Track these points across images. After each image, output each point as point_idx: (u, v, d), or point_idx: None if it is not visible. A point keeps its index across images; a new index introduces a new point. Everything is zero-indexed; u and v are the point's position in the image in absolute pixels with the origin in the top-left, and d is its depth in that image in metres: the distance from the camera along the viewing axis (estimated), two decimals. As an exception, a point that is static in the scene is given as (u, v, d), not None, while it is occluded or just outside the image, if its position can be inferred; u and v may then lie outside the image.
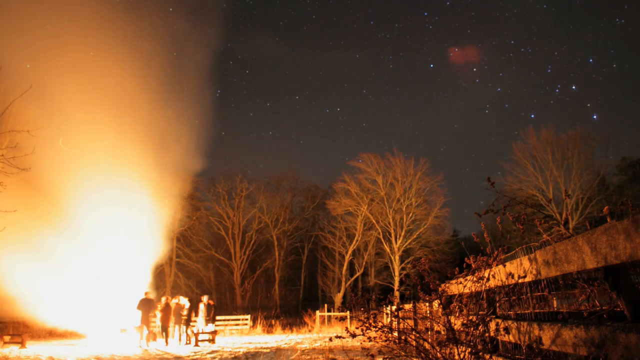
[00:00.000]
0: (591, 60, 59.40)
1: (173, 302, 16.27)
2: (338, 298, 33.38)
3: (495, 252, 3.50)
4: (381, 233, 32.93)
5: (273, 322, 24.47)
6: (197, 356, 11.19)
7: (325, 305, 29.54)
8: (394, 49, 74.09)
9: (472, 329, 3.50)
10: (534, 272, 2.64)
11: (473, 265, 3.67)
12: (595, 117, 54.16)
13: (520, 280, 2.91)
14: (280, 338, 18.65)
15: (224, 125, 72.89)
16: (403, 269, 32.21)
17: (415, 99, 75.27)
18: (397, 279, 32.04)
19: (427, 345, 4.42)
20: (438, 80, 71.68)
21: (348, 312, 25.26)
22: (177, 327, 16.15)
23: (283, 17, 73.84)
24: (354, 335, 4.47)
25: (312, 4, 70.57)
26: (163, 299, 16.23)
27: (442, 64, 68.62)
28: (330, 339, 4.86)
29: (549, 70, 62.92)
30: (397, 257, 32.35)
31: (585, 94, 62.07)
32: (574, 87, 60.02)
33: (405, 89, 73.87)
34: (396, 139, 74.92)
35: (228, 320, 24.48)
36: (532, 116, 65.13)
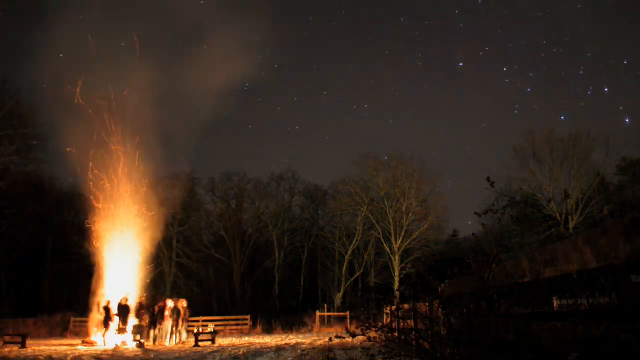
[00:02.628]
0: (625, 62, 58.55)
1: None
2: (338, 298, 33.37)
3: (496, 252, 3.50)
4: (381, 233, 32.92)
5: (273, 322, 24.49)
6: (197, 356, 11.19)
7: (325, 305, 29.53)
8: (422, 46, 73.27)
9: (472, 329, 3.50)
10: (534, 272, 2.64)
11: (473, 265, 3.67)
12: (627, 120, 53.44)
13: (520, 281, 2.91)
14: (280, 338, 18.65)
15: (252, 119, 72.42)
16: (403, 269, 32.19)
17: (443, 98, 74.44)
18: (397, 279, 32.02)
19: (427, 345, 4.42)
20: (467, 79, 71.02)
21: (348, 312, 25.26)
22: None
23: (312, 12, 73.28)
24: (354, 335, 4.47)
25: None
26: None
27: (472, 62, 67.97)
28: (331, 339, 4.86)
29: (581, 72, 61.93)
30: (397, 257, 32.34)
31: (617, 97, 61.19)
32: (606, 90, 59.09)
33: (433, 87, 73.22)
34: (422, 137, 74.15)
35: (228, 320, 24.50)
36: (562, 118, 64.40)
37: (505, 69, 65.62)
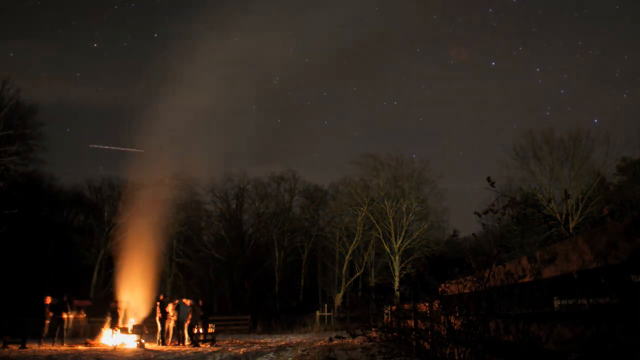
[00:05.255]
0: (663, 65, 57.47)
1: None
2: (338, 298, 33.36)
3: (496, 252, 3.50)
4: (381, 233, 32.91)
5: (273, 322, 24.49)
6: (197, 356, 11.19)
7: (325, 305, 29.52)
8: (455, 44, 72.93)
9: (472, 329, 3.50)
10: (534, 272, 2.64)
11: (473, 265, 3.67)
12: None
13: (520, 281, 2.91)
14: (280, 338, 18.65)
15: (280, 112, 72.03)
16: (403, 269, 32.17)
17: (474, 97, 73.38)
18: (397, 279, 32.01)
19: (427, 345, 4.42)
20: (499, 78, 70.30)
21: (348, 312, 25.26)
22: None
23: (344, 7, 72.90)
24: (354, 335, 4.47)
25: (374, -4, 69.51)
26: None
27: (505, 62, 67.19)
28: (331, 339, 4.86)
29: (617, 75, 60.74)
30: (397, 257, 32.33)
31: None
32: (641, 93, 58.06)
33: (465, 86, 72.25)
34: (452, 136, 73.35)
35: (228, 320, 24.49)
36: (596, 121, 63.23)
37: (538, 70, 64.84)
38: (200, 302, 16.84)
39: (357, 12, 69.77)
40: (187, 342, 15.83)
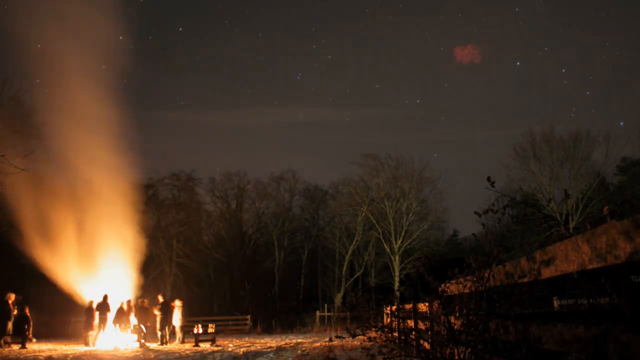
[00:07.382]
0: (694, 68, 56.89)
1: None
2: (338, 298, 33.35)
3: (496, 252, 3.50)
4: (381, 233, 32.90)
5: (273, 322, 24.50)
6: (197, 356, 11.20)
7: (325, 305, 29.53)
8: (480, 43, 71.64)
9: (472, 329, 3.51)
10: (534, 272, 2.64)
11: (473, 265, 3.67)
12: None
13: (520, 281, 2.91)
14: (280, 338, 18.66)
15: (303, 110, 72.25)
16: (403, 269, 32.16)
17: (499, 97, 72.72)
18: (397, 279, 32.00)
19: (427, 345, 4.43)
20: (523, 79, 69.66)
21: (348, 312, 25.26)
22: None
23: (369, 5, 72.45)
24: (354, 335, 4.47)
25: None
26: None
27: (530, 62, 66.49)
28: (331, 339, 4.86)
29: None
30: (397, 257, 32.32)
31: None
32: (669, 97, 57.57)
33: (489, 86, 71.58)
34: (474, 137, 72.87)
35: (228, 320, 24.51)
36: (621, 124, 62.51)
37: (564, 70, 64.38)
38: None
39: (380, 12, 69.67)
40: (170, 342, 15.98)
